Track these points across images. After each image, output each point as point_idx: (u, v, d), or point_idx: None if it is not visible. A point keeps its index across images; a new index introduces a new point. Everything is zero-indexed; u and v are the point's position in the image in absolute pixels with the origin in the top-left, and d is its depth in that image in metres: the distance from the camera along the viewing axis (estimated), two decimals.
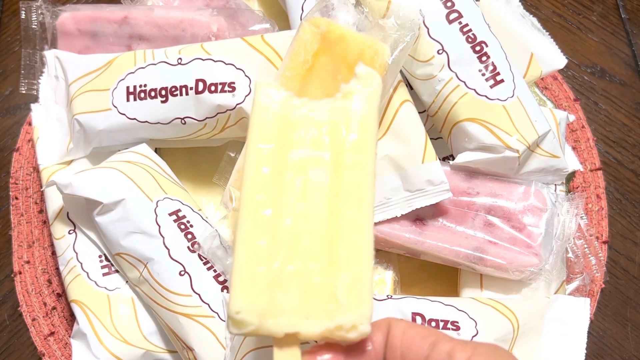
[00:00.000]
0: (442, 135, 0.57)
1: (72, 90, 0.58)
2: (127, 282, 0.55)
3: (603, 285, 0.62)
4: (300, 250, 0.34)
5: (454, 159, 0.55)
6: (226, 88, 0.55)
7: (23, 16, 0.64)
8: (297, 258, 0.33)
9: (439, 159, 0.53)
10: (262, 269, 0.33)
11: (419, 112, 0.55)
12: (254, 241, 0.33)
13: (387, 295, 0.51)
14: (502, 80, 0.54)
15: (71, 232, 0.56)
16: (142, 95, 0.56)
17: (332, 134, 0.36)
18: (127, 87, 0.56)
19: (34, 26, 0.64)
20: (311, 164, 0.35)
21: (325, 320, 0.33)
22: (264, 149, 0.35)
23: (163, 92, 0.56)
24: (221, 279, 0.52)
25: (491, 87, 0.54)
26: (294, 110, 0.36)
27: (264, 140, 0.35)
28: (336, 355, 0.33)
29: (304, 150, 0.36)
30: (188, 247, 0.52)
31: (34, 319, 0.60)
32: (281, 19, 0.64)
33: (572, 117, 0.63)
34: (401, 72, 0.56)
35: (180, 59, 0.56)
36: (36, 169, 0.65)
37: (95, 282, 0.55)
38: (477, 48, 0.54)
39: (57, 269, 0.61)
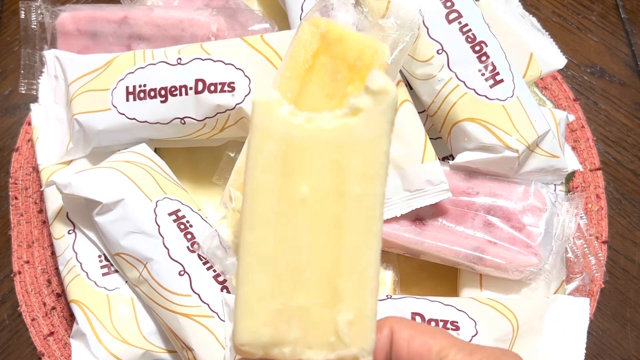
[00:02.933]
0: (442, 135, 0.57)
1: (71, 90, 0.58)
2: (126, 282, 0.55)
3: (603, 285, 0.62)
4: (303, 284, 0.33)
5: (453, 158, 0.55)
6: (226, 88, 0.55)
7: (23, 16, 0.64)
8: (299, 292, 0.33)
9: (439, 159, 0.53)
10: (264, 303, 0.33)
11: (419, 112, 0.55)
12: (256, 276, 0.33)
13: (387, 295, 0.51)
14: (501, 80, 0.54)
15: (71, 232, 0.56)
16: (142, 95, 0.56)
17: (338, 159, 0.33)
18: (127, 87, 0.56)
19: (33, 26, 0.64)
20: (316, 193, 0.33)
21: (327, 351, 0.33)
22: (264, 179, 0.33)
23: (162, 92, 0.56)
24: (221, 279, 0.52)
25: (491, 87, 0.54)
26: (296, 131, 0.33)
27: (265, 169, 0.33)
28: None
29: (308, 178, 0.33)
30: (187, 247, 0.52)
31: (33, 319, 0.60)
32: (281, 19, 0.64)
33: (571, 117, 0.63)
34: (401, 72, 0.56)
35: (179, 58, 0.56)
36: (36, 169, 0.65)
37: (95, 282, 0.55)
38: (477, 48, 0.54)
39: (57, 269, 0.61)
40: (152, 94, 0.56)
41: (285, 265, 0.33)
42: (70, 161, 0.60)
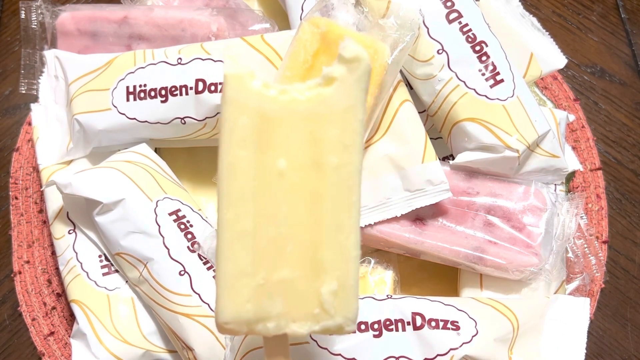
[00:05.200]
0: (442, 135, 0.57)
1: (71, 90, 0.58)
2: (126, 282, 0.55)
3: (603, 285, 0.62)
4: (285, 257, 0.33)
5: (453, 158, 0.55)
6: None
7: (23, 16, 0.64)
8: (281, 266, 0.32)
9: (439, 159, 0.53)
10: (246, 280, 0.32)
11: (419, 112, 0.55)
12: (235, 254, 0.32)
13: (387, 295, 0.51)
14: (502, 80, 0.54)
15: (71, 232, 0.56)
16: (142, 95, 0.56)
17: (313, 130, 0.32)
18: (127, 87, 0.56)
19: (33, 26, 0.64)
20: (293, 166, 0.32)
21: (311, 323, 0.33)
22: (240, 155, 0.32)
23: (163, 92, 0.56)
24: None
25: (491, 86, 0.54)
26: (270, 104, 0.32)
27: (240, 145, 0.32)
28: None
29: (284, 151, 0.32)
30: (188, 247, 0.52)
31: (33, 319, 0.60)
32: (281, 18, 0.64)
33: (572, 117, 0.63)
34: (401, 72, 0.56)
35: (180, 58, 0.56)
36: (36, 169, 0.65)
37: (95, 282, 0.55)
38: (477, 48, 0.54)
39: (57, 268, 0.61)
40: (153, 93, 0.56)
41: (265, 240, 0.32)
42: (71, 161, 0.60)
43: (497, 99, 0.54)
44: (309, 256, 0.33)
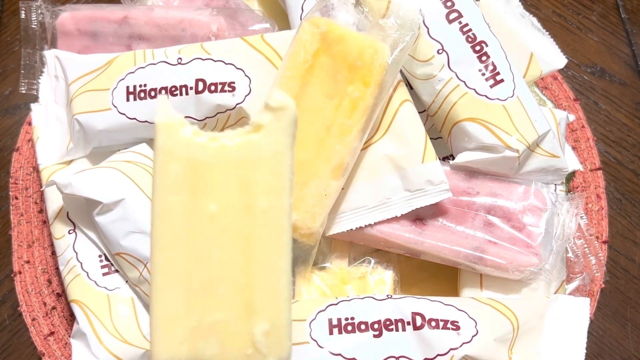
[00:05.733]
0: (442, 135, 0.57)
1: (72, 90, 0.58)
2: (127, 281, 0.55)
3: (603, 285, 0.62)
4: (218, 299, 0.33)
5: (453, 158, 0.55)
6: (226, 88, 0.55)
7: (23, 16, 0.64)
8: (214, 308, 0.33)
9: (439, 159, 0.53)
10: (180, 322, 0.33)
11: (419, 112, 0.55)
12: (169, 297, 0.33)
13: (387, 295, 0.51)
14: (502, 80, 0.54)
15: (71, 232, 0.56)
16: (142, 95, 0.56)
17: (243, 175, 0.34)
18: (127, 87, 0.56)
19: (33, 26, 0.64)
20: (224, 210, 0.33)
21: None
22: (171, 200, 0.33)
23: (163, 92, 0.56)
24: None
25: (491, 86, 0.54)
26: (201, 150, 0.33)
27: (172, 190, 0.33)
28: None
29: (215, 195, 0.33)
30: None
31: (33, 319, 0.60)
32: (281, 18, 0.64)
33: (572, 117, 0.63)
34: (401, 71, 0.56)
35: (180, 58, 0.56)
36: (36, 169, 0.65)
37: (95, 282, 0.55)
38: (477, 48, 0.54)
39: (57, 268, 0.61)
40: (153, 93, 0.56)
41: (198, 283, 0.33)
42: (71, 161, 0.60)
43: (497, 98, 0.54)
44: (242, 298, 0.33)
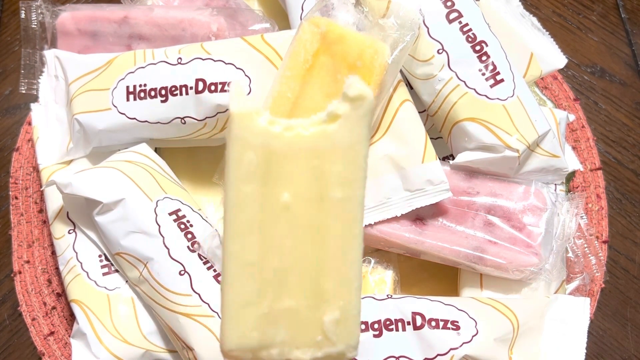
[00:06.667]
0: (442, 135, 0.57)
1: (72, 90, 0.58)
2: (127, 281, 0.55)
3: (603, 285, 0.62)
4: (289, 287, 0.34)
5: (454, 158, 0.55)
6: (226, 87, 0.55)
7: (23, 16, 0.64)
8: (285, 296, 0.34)
9: (439, 159, 0.53)
10: (251, 309, 0.33)
11: (419, 112, 0.55)
12: (241, 284, 0.33)
13: (387, 295, 0.51)
14: (502, 80, 0.54)
15: (71, 231, 0.56)
16: (142, 94, 0.56)
17: (318, 165, 0.34)
18: (127, 87, 0.56)
19: (33, 26, 0.64)
20: (297, 200, 0.34)
21: (314, 350, 0.34)
22: (245, 190, 0.33)
23: (163, 92, 0.56)
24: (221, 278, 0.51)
25: (491, 86, 0.54)
26: (276, 140, 0.33)
27: (245, 180, 0.33)
28: None
29: (289, 185, 0.33)
30: (188, 247, 0.52)
31: (33, 319, 0.60)
32: (281, 18, 0.64)
33: (572, 117, 0.63)
34: (401, 71, 0.56)
35: (180, 58, 0.56)
36: (36, 169, 0.65)
37: (95, 282, 0.55)
38: (477, 48, 0.54)
39: (57, 268, 0.61)
40: (153, 93, 0.56)
41: (270, 271, 0.33)
42: (71, 161, 0.60)
43: (497, 98, 0.54)
44: (312, 286, 0.34)
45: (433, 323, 0.48)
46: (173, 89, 0.55)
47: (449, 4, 0.55)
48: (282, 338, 0.33)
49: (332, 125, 0.33)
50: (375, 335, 0.48)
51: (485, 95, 0.54)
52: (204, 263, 0.52)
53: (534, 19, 0.63)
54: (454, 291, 0.58)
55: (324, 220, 0.34)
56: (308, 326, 0.34)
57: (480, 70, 0.54)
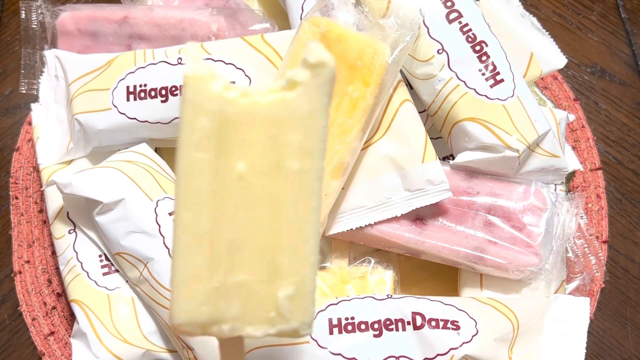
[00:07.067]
0: (442, 134, 0.57)
1: (72, 90, 0.58)
2: (127, 281, 0.55)
3: (603, 285, 0.62)
4: (242, 261, 0.32)
5: (454, 158, 0.55)
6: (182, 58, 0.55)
7: (23, 16, 0.64)
8: (238, 269, 0.32)
9: (439, 159, 0.53)
10: (202, 282, 0.32)
11: (419, 112, 0.55)
12: (192, 256, 0.32)
13: (387, 295, 0.51)
14: (502, 80, 0.54)
15: (71, 231, 0.56)
16: (142, 94, 0.56)
17: (275, 134, 0.32)
18: (127, 87, 0.56)
19: (34, 26, 0.64)
20: (253, 170, 0.32)
21: (267, 326, 0.33)
22: (198, 156, 0.31)
23: (163, 92, 0.56)
24: None
25: (491, 86, 0.54)
26: (231, 106, 0.31)
27: (198, 146, 0.31)
28: None
29: (244, 154, 0.32)
30: None
31: (34, 319, 0.60)
32: (281, 18, 0.64)
33: (572, 117, 0.63)
34: (401, 71, 0.56)
35: (180, 58, 0.56)
36: (36, 169, 0.65)
37: (95, 282, 0.55)
38: (477, 48, 0.54)
39: (57, 268, 0.61)
40: (153, 93, 0.56)
41: (222, 243, 0.32)
42: (71, 161, 0.60)
43: (497, 98, 0.54)
44: (267, 261, 0.32)
45: (433, 323, 0.48)
46: (173, 89, 0.56)
47: (449, 4, 0.55)
48: (233, 313, 0.32)
49: (290, 92, 0.32)
50: (375, 335, 0.48)
51: (485, 95, 0.54)
52: None
53: (534, 19, 0.63)
54: (454, 291, 0.58)
55: (280, 192, 0.32)
56: (261, 302, 0.32)
57: (480, 70, 0.54)
